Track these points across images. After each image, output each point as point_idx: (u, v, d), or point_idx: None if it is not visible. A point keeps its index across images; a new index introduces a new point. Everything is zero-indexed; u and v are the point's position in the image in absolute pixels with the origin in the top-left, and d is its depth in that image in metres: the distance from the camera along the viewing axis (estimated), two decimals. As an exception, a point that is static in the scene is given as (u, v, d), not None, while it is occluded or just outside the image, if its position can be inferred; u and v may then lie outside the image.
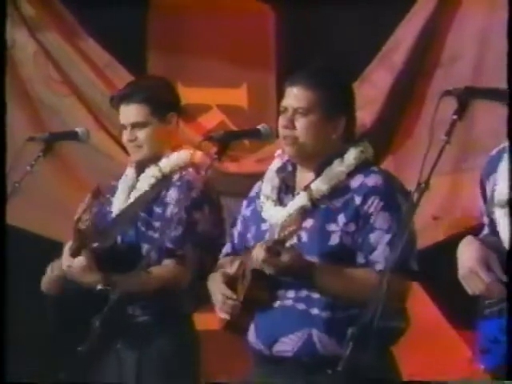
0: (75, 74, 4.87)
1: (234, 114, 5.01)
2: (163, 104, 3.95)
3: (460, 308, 4.28)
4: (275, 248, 3.10)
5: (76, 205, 3.99)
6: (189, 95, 5.00)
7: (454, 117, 2.78)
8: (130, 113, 3.92)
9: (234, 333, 3.37)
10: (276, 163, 3.42)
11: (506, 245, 2.91)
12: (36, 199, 4.38)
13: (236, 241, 3.49)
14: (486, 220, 3.05)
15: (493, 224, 3.01)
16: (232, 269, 3.32)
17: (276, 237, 3.12)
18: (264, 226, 3.35)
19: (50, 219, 4.35)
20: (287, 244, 3.11)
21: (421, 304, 4.16)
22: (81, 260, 3.74)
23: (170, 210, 3.84)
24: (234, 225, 3.51)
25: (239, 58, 4.99)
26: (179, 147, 3.96)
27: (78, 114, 4.76)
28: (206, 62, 5.01)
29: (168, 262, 3.81)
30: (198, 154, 3.91)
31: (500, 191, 2.96)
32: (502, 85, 2.94)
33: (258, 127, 3.43)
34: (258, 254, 3.12)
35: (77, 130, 3.99)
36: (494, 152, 3.08)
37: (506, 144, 3.02)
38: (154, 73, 4.95)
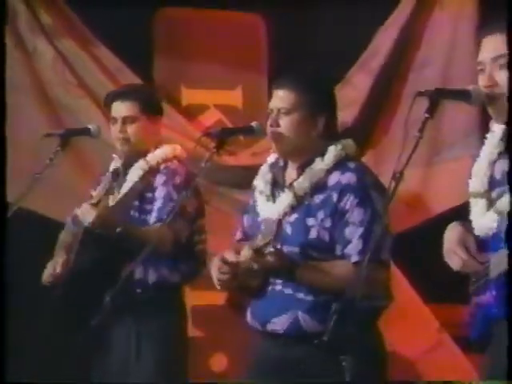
0: (89, 78, 4.85)
1: (230, 112, 5.00)
2: (152, 105, 4.01)
3: (429, 284, 4.27)
4: (261, 250, 3.09)
5: (88, 192, 4.00)
6: (190, 96, 5.03)
7: (426, 115, 2.78)
8: (123, 108, 3.96)
9: (234, 310, 3.39)
10: (270, 158, 3.41)
11: (476, 230, 2.89)
12: (54, 187, 4.33)
13: (246, 226, 3.48)
14: None
15: None
16: (233, 257, 3.28)
17: (260, 243, 3.10)
18: (259, 219, 3.34)
19: (66, 205, 4.32)
20: (266, 251, 3.09)
21: (396, 282, 4.14)
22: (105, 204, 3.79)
23: (159, 191, 3.92)
24: (244, 212, 3.49)
25: (235, 63, 4.98)
26: (162, 144, 4.01)
27: (92, 113, 4.72)
28: (205, 66, 4.99)
29: (157, 224, 3.83)
30: (179, 148, 4.00)
31: (472, 186, 2.94)
32: (468, 87, 2.89)
33: (251, 124, 3.44)
34: (246, 253, 3.12)
35: (89, 126, 4.01)
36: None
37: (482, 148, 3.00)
38: (159, 76, 4.96)
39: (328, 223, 3.19)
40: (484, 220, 2.86)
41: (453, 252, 2.87)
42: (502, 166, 2.89)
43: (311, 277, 3.16)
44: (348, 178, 3.21)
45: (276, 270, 3.14)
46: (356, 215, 3.17)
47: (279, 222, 3.16)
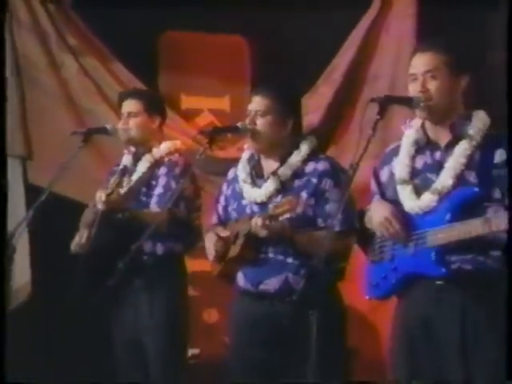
0: (106, 87, 4.79)
1: (220, 115, 4.97)
2: (154, 106, 3.96)
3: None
4: (270, 219, 3.11)
5: (105, 179, 3.95)
6: (188, 102, 5.01)
7: (377, 117, 2.79)
8: (129, 105, 3.93)
9: (223, 280, 3.38)
10: (246, 154, 3.44)
11: (408, 208, 2.91)
12: (77, 175, 4.27)
13: (221, 213, 3.48)
14: (377, 197, 3.05)
15: (383, 196, 3.01)
16: (224, 233, 3.32)
17: (270, 212, 3.11)
18: (244, 202, 3.35)
19: (86, 189, 4.29)
20: (280, 218, 3.11)
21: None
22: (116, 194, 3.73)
23: (160, 180, 3.91)
24: (217, 201, 3.51)
25: (224, 75, 4.95)
26: (165, 140, 3.97)
27: (108, 115, 4.65)
28: (200, 78, 4.95)
29: (156, 207, 3.81)
30: (179, 143, 3.99)
31: (398, 175, 2.96)
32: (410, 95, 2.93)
33: (237, 125, 3.42)
34: (257, 221, 3.11)
35: (106, 126, 3.97)
36: (387, 150, 3.09)
37: (398, 143, 3.02)
38: (163, 86, 4.92)
39: (311, 202, 3.21)
40: (421, 201, 2.87)
41: (388, 221, 2.87)
42: (423, 159, 2.93)
43: (304, 242, 3.16)
44: (323, 165, 3.26)
45: (280, 235, 3.14)
46: (333, 194, 3.21)
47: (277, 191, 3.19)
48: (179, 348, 3.89)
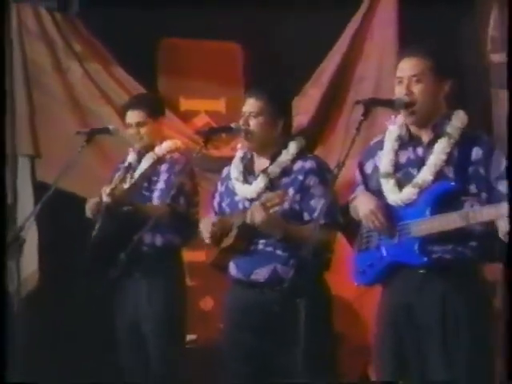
0: (109, 90, 4.77)
1: (215, 117, 4.96)
2: (155, 109, 4.00)
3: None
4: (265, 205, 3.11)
5: (108, 176, 3.95)
6: (186, 104, 4.99)
7: (362, 118, 2.78)
8: (135, 116, 3.97)
9: (217, 269, 3.39)
10: (239, 153, 3.46)
11: (391, 201, 2.91)
12: (80, 173, 4.24)
13: (216, 208, 3.50)
14: (361, 187, 3.06)
15: (367, 187, 3.01)
16: (217, 219, 3.32)
17: (263, 200, 3.13)
18: (236, 198, 3.37)
19: (89, 186, 4.28)
20: (271, 211, 3.12)
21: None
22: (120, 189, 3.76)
23: (162, 176, 3.92)
24: (213, 198, 3.52)
25: (220, 79, 4.94)
26: (166, 138, 4.01)
27: (111, 117, 4.64)
28: (198, 82, 4.94)
29: (159, 201, 3.83)
30: (179, 142, 3.99)
31: (382, 169, 2.96)
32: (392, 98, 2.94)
33: (231, 125, 3.41)
34: (256, 205, 3.12)
35: (109, 127, 3.98)
36: (371, 144, 3.10)
37: (379, 138, 3.05)
38: (162, 89, 4.91)
39: (298, 198, 3.22)
40: (402, 193, 2.87)
41: (374, 214, 2.87)
42: (406, 154, 2.94)
43: (293, 233, 3.17)
44: (310, 164, 3.26)
45: (276, 221, 3.14)
46: (318, 191, 3.21)
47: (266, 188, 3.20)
48: (177, 334, 3.90)
